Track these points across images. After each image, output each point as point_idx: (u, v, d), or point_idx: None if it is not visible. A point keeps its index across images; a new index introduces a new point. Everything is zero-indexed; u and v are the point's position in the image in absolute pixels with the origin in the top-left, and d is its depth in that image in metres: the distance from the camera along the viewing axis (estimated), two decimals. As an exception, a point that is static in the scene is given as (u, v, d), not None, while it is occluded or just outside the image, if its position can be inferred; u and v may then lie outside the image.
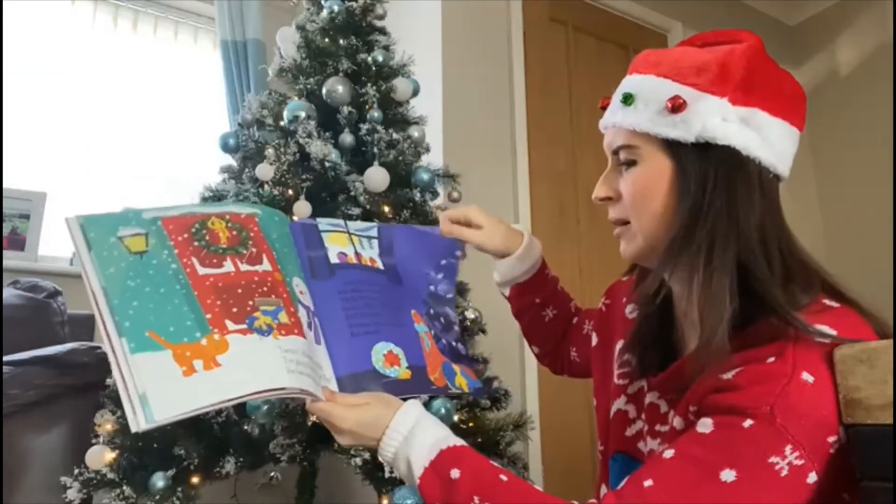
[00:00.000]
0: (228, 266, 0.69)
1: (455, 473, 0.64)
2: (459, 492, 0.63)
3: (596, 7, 2.77)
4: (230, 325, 0.64)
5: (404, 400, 0.73)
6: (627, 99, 0.72)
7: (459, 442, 0.69)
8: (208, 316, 0.64)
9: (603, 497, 0.60)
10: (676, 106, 0.67)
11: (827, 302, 0.64)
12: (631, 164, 0.72)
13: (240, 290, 0.67)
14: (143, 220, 0.69)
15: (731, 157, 0.67)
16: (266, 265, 0.72)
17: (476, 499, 0.62)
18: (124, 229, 0.67)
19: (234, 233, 0.73)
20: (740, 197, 0.66)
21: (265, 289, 0.69)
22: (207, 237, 0.70)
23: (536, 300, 0.99)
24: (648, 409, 0.75)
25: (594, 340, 0.92)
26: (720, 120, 0.67)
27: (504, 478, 0.64)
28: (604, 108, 0.78)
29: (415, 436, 0.68)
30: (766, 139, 0.68)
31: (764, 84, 0.70)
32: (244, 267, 0.70)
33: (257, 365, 0.63)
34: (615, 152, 0.74)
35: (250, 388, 0.61)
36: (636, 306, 0.83)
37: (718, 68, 0.68)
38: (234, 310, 0.65)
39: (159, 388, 0.58)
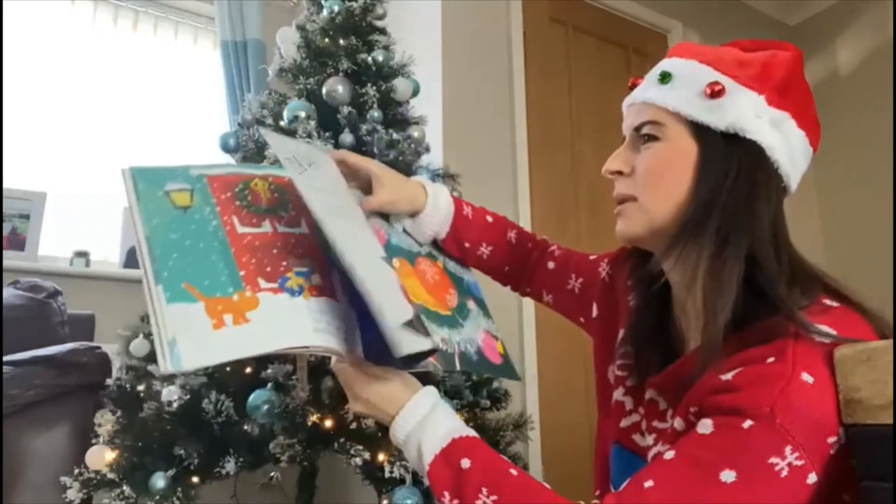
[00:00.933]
0: (266, 226, 0.71)
1: (465, 463, 0.65)
2: (468, 481, 0.64)
3: (596, 7, 2.77)
4: (262, 283, 0.66)
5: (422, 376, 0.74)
6: (665, 77, 0.72)
7: (472, 433, 0.69)
8: (242, 273, 0.66)
9: (604, 498, 0.60)
10: (715, 92, 0.68)
11: (827, 302, 0.64)
12: (652, 139, 0.71)
13: (275, 251, 0.69)
14: (190, 176, 0.71)
15: (757, 153, 0.68)
16: (304, 228, 0.74)
17: (484, 490, 0.63)
18: (171, 184, 0.69)
19: (276, 195, 0.75)
20: (761, 192, 0.67)
21: (300, 251, 0.71)
22: (249, 197, 0.73)
23: (466, 245, 0.94)
24: (648, 404, 0.75)
25: (594, 311, 0.90)
26: (753, 115, 0.68)
27: (514, 472, 0.65)
28: (632, 88, 0.78)
29: (429, 421, 0.69)
30: (790, 147, 0.69)
31: (797, 94, 0.71)
32: (281, 228, 0.72)
33: (285, 323, 0.65)
34: (637, 128, 0.73)
35: (276, 345, 0.63)
36: (634, 296, 0.82)
37: (761, 66, 0.70)
38: (268, 269, 0.67)
39: (189, 337, 0.59)
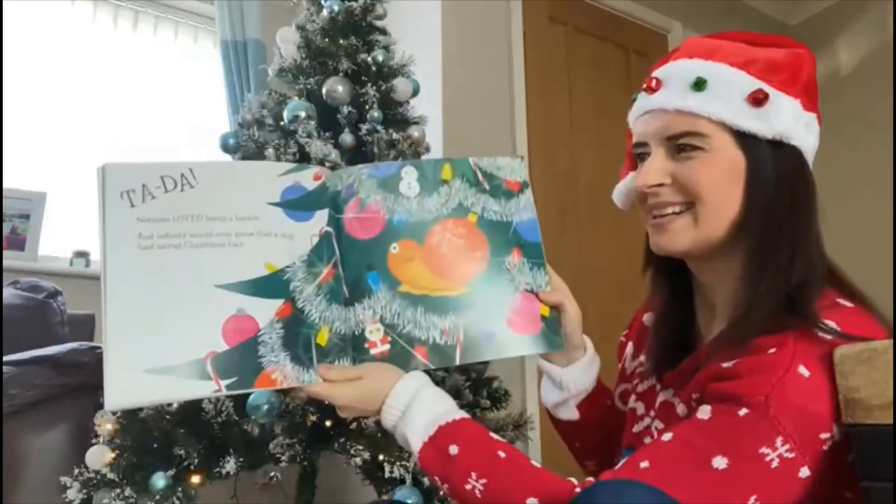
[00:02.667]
0: None
1: (454, 449, 0.65)
2: (457, 468, 0.64)
3: (596, 7, 2.77)
4: None
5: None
6: (701, 84, 0.69)
7: (460, 415, 0.69)
8: None
9: (600, 475, 0.61)
10: (759, 100, 0.67)
11: (839, 301, 0.64)
12: (695, 150, 0.69)
13: None
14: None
15: (799, 158, 0.69)
16: None
17: (473, 475, 0.63)
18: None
19: None
20: (808, 197, 0.69)
21: None
22: None
23: (608, 402, 0.89)
24: (662, 407, 0.75)
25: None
26: (794, 121, 0.68)
27: (502, 454, 0.65)
28: (648, 90, 0.73)
29: (411, 411, 0.69)
30: (815, 146, 0.71)
31: (815, 93, 0.72)
32: None
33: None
34: (673, 137, 0.70)
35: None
36: (660, 301, 0.82)
37: (791, 69, 0.69)
38: None
39: None
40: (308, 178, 0.78)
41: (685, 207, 0.70)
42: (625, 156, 0.83)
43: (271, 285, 0.71)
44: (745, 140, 0.68)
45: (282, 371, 0.68)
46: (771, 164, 0.67)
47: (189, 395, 0.66)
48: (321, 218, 0.77)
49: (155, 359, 0.64)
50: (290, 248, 0.74)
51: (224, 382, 0.65)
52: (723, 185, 0.68)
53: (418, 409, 0.69)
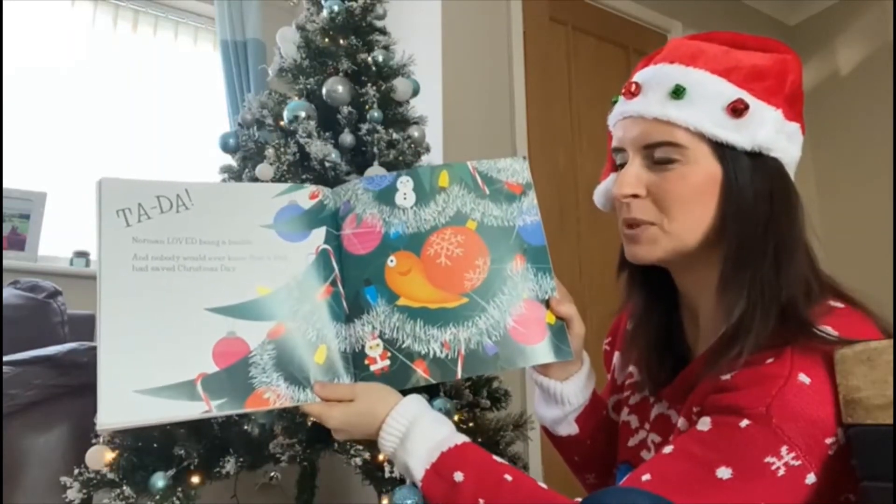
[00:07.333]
0: None
1: (458, 476, 0.64)
2: (463, 494, 0.63)
3: (596, 7, 2.77)
4: None
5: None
6: (680, 92, 0.67)
7: (461, 440, 0.68)
8: None
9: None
10: (739, 110, 0.65)
11: (832, 303, 0.64)
12: (669, 162, 0.67)
13: None
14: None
15: (780, 169, 0.67)
16: None
17: (481, 501, 0.62)
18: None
19: None
20: (792, 206, 0.66)
21: None
22: None
23: (604, 412, 0.87)
24: (658, 420, 0.75)
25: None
26: (775, 132, 0.66)
27: (509, 477, 0.64)
28: (627, 95, 0.72)
29: (410, 439, 0.67)
30: (797, 155, 0.69)
31: (800, 101, 0.70)
32: None
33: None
34: (649, 146, 0.68)
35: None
36: (644, 311, 0.80)
37: (775, 77, 0.67)
38: None
39: None
40: (304, 198, 0.78)
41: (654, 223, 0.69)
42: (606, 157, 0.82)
43: (263, 307, 0.72)
44: (722, 151, 0.66)
45: (274, 391, 0.69)
46: (749, 176, 0.66)
47: (179, 415, 0.66)
48: (317, 237, 0.77)
49: (145, 380, 0.65)
50: (284, 268, 0.74)
51: (214, 403, 0.66)
52: (697, 199, 0.67)
53: (417, 436, 0.67)
